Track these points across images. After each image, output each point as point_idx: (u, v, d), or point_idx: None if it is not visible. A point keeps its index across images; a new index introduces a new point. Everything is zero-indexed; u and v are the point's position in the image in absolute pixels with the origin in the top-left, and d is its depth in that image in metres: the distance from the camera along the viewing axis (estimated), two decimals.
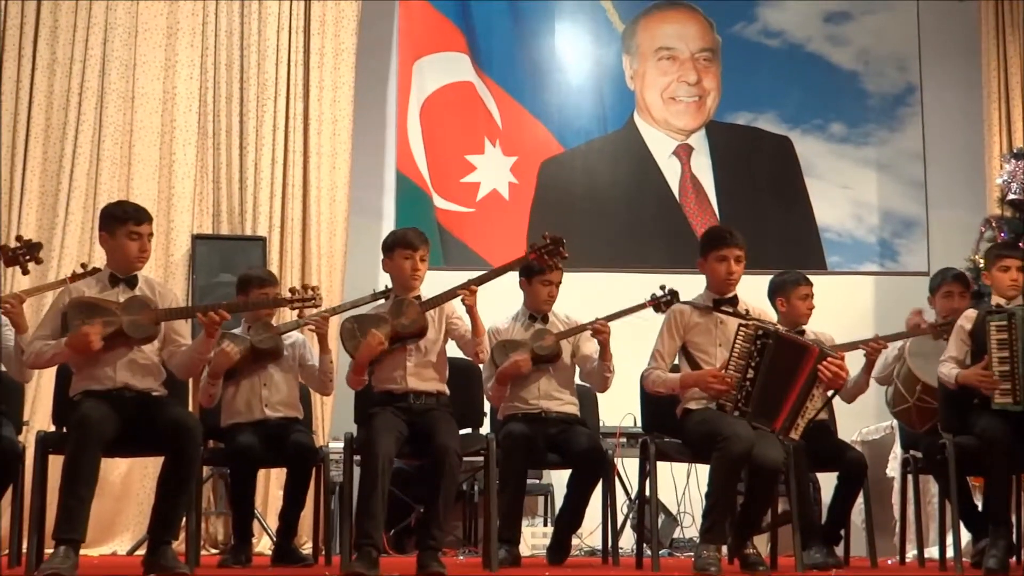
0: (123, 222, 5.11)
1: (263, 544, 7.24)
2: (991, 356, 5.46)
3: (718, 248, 5.51)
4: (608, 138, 9.32)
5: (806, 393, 5.24)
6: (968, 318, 5.74)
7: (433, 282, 5.60)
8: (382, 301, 5.59)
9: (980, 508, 5.95)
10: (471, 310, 5.37)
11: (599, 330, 5.95)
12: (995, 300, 5.82)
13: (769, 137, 9.37)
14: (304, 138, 8.30)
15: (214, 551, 7.37)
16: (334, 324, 6.13)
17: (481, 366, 6.07)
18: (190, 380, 5.83)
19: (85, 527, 4.75)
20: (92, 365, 5.05)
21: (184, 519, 5.24)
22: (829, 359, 5.24)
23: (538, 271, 6.06)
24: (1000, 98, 8.89)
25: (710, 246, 5.54)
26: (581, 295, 6.87)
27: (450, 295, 5.38)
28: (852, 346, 6.20)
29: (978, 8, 9.08)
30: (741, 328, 5.27)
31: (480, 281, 5.42)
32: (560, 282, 6.14)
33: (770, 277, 6.40)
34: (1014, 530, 5.87)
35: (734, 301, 5.52)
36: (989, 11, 9.01)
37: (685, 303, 5.67)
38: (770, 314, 5.81)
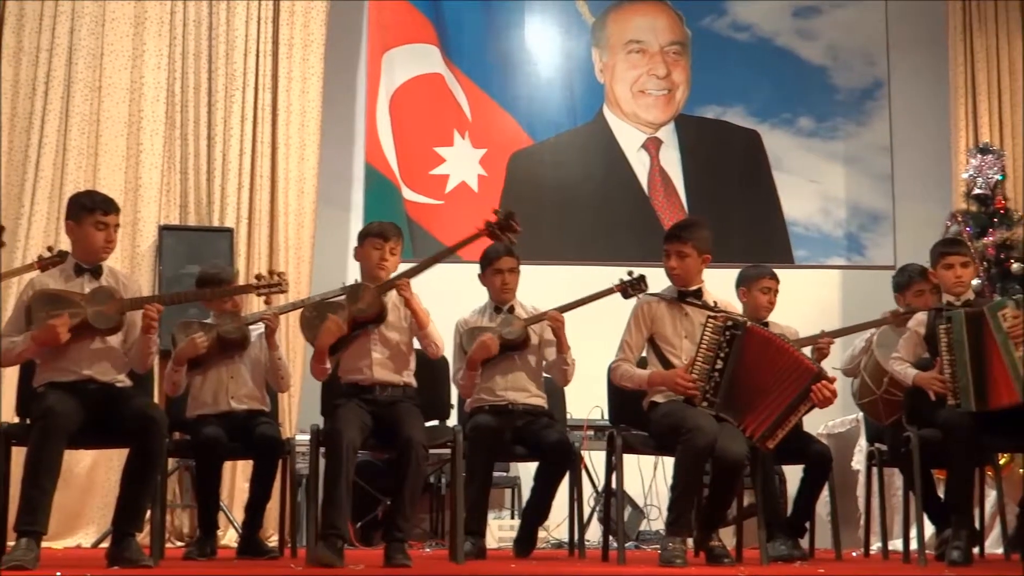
0: (90, 211, 5.09)
1: (229, 537, 7.21)
2: (942, 359, 5.52)
3: (664, 242, 5.56)
4: (577, 131, 9.33)
5: (793, 409, 5.25)
6: (920, 323, 5.80)
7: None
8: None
9: (943, 500, 5.99)
10: (408, 303, 5.37)
11: (552, 320, 5.96)
12: (946, 298, 5.85)
13: (738, 131, 9.40)
14: (272, 129, 8.27)
15: (179, 544, 7.35)
16: (290, 319, 6.09)
17: (449, 358, 6.08)
18: (155, 372, 5.81)
19: (47, 519, 4.72)
20: (57, 357, 5.03)
21: (149, 511, 5.22)
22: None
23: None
24: (966, 93, 8.94)
25: (663, 242, 5.58)
26: (549, 287, 6.87)
27: (391, 284, 5.37)
28: (804, 342, 6.23)
29: (945, 4, 9.12)
30: (710, 320, 5.29)
31: (419, 269, 5.44)
32: (512, 269, 6.11)
33: (737, 270, 6.42)
34: (976, 522, 5.91)
35: (698, 294, 5.54)
36: (956, 7, 9.06)
37: (652, 295, 5.68)
38: (737, 306, 5.82)
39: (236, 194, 8.09)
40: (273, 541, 6.70)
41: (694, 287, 5.56)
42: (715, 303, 5.53)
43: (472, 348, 5.98)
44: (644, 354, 5.64)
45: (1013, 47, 8.98)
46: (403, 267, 5.60)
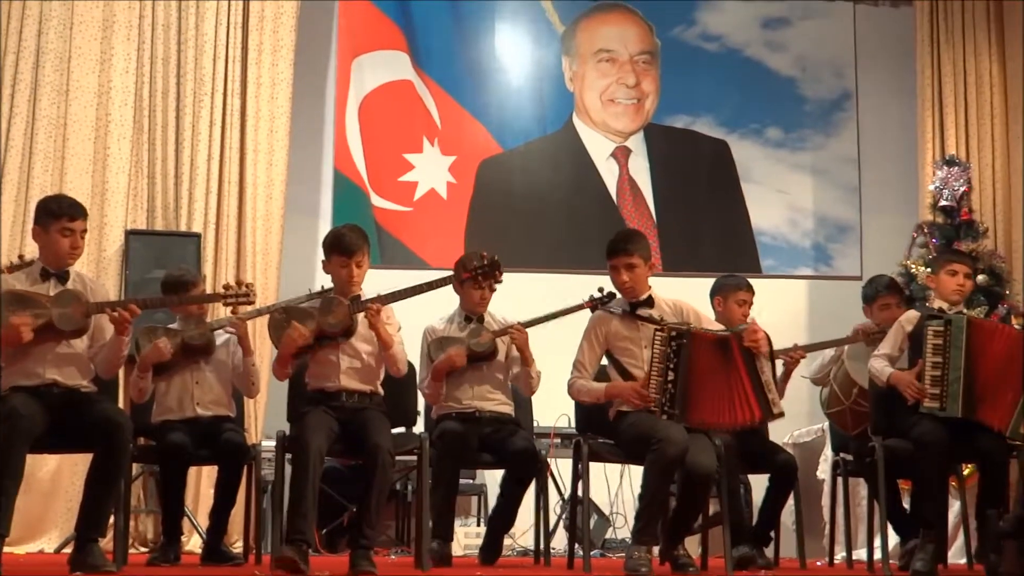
0: (57, 217, 5.08)
1: (193, 543, 7.18)
2: (925, 360, 5.53)
3: (609, 259, 5.55)
4: (547, 139, 9.34)
5: (755, 370, 5.28)
6: (909, 320, 5.78)
7: (370, 281, 5.58)
8: (317, 302, 5.57)
9: (908, 511, 6.02)
10: (373, 328, 5.36)
11: (514, 335, 5.97)
12: (936, 303, 5.85)
13: (706, 140, 9.42)
14: (241, 134, 8.24)
15: (143, 549, 7.31)
16: (259, 325, 6.07)
17: (416, 365, 6.08)
18: (120, 376, 5.78)
19: (9, 522, 4.71)
20: (20, 359, 5.00)
21: (112, 517, 5.19)
22: (744, 334, 5.29)
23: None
24: (933, 106, 9.00)
25: (606, 256, 5.58)
26: (518, 296, 6.87)
27: (362, 307, 5.36)
28: (777, 355, 6.25)
29: (913, 16, 9.19)
30: (657, 333, 5.30)
31: (392, 299, 5.43)
32: (492, 286, 6.12)
33: (704, 279, 6.44)
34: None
35: (649, 302, 5.54)
36: (924, 20, 9.11)
37: (604, 309, 5.68)
38: (694, 308, 5.75)
39: (204, 199, 8.05)
40: (238, 547, 6.68)
41: (644, 296, 5.56)
42: (667, 305, 5.54)
43: (438, 360, 5.97)
44: (605, 363, 5.64)
45: (980, 61, 9.05)
46: (371, 273, 5.60)
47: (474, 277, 5.58)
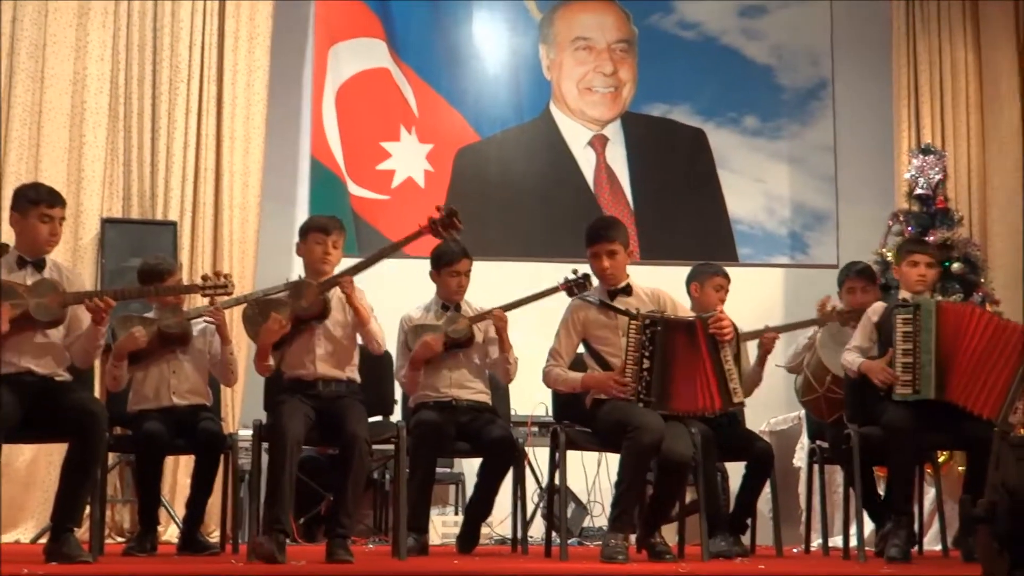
0: (35, 204, 5.06)
1: (170, 532, 7.17)
2: (895, 349, 5.57)
3: (590, 245, 5.54)
4: (524, 127, 9.33)
5: (718, 358, 5.29)
6: (876, 311, 5.83)
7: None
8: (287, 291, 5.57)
9: (883, 498, 6.06)
10: (349, 300, 5.36)
11: (496, 319, 5.97)
12: (903, 294, 5.89)
13: (683, 129, 9.43)
14: (217, 122, 8.21)
15: (120, 539, 7.29)
16: (235, 313, 6.05)
17: (393, 354, 6.08)
18: (96, 366, 5.76)
19: None
20: None
21: (88, 506, 5.18)
22: (710, 321, 5.31)
23: (446, 262, 6.06)
24: (909, 95, 9.03)
25: (586, 242, 5.57)
26: (495, 284, 6.87)
27: (334, 282, 5.37)
28: (748, 336, 6.29)
29: (889, 6, 9.21)
30: (631, 322, 5.30)
31: (363, 266, 5.43)
32: (468, 271, 6.13)
33: (680, 267, 6.45)
34: (916, 519, 5.97)
35: (627, 290, 5.55)
36: (900, 9, 9.13)
37: (581, 298, 5.69)
38: (671, 297, 5.77)
39: (180, 187, 8.02)
40: (215, 537, 6.66)
41: (623, 283, 5.57)
42: (645, 294, 5.55)
43: (416, 347, 5.97)
44: (582, 351, 5.65)
45: (955, 49, 9.07)
46: (347, 262, 5.60)
47: (433, 229, 5.54)
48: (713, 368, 5.29)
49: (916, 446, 5.57)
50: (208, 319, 5.83)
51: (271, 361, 5.44)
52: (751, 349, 6.43)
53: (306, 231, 5.56)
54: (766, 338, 6.26)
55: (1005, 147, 8.92)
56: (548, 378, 5.61)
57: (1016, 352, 5.39)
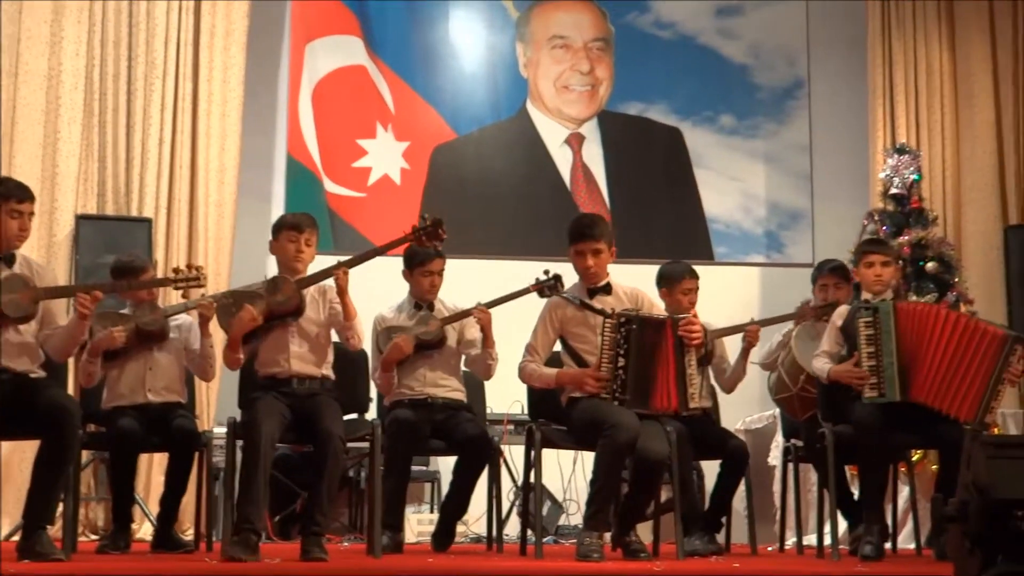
0: (6, 199, 5.03)
1: (144, 530, 7.14)
2: (860, 353, 5.58)
3: (575, 243, 5.54)
4: (501, 125, 9.33)
5: (682, 361, 5.30)
6: (840, 315, 5.85)
7: (322, 267, 5.55)
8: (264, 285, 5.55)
9: (856, 496, 6.08)
10: (342, 293, 5.36)
11: (480, 316, 5.96)
12: (864, 295, 5.92)
13: (660, 128, 9.44)
14: (193, 118, 8.18)
15: (93, 537, 7.26)
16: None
17: (368, 355, 6.07)
18: (70, 362, 5.73)
19: None
20: None
21: (61, 504, 5.15)
22: (681, 322, 5.32)
23: (419, 262, 6.05)
24: (884, 94, 9.06)
25: (569, 239, 5.57)
26: (471, 282, 6.86)
27: (324, 275, 5.37)
28: (730, 331, 6.31)
29: (865, 5, 9.24)
30: (606, 320, 5.31)
31: (354, 263, 5.42)
32: (442, 271, 6.13)
33: (656, 266, 6.45)
34: (888, 517, 5.99)
35: (607, 289, 5.56)
36: (875, 9, 9.17)
37: (561, 295, 5.69)
38: (649, 297, 5.79)
39: (155, 184, 7.99)
40: (189, 534, 6.64)
41: (603, 282, 5.57)
42: (624, 294, 5.56)
43: (386, 349, 5.96)
44: (559, 349, 5.65)
45: (930, 49, 9.11)
46: (321, 259, 5.59)
47: (417, 237, 5.55)
48: (675, 369, 5.30)
49: (887, 445, 5.58)
50: (196, 312, 5.76)
51: (240, 354, 5.42)
52: (732, 344, 6.43)
53: (278, 229, 5.55)
54: (750, 331, 6.27)
55: (979, 146, 8.98)
56: (523, 373, 5.62)
57: (990, 355, 5.41)
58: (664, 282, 6.32)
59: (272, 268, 5.71)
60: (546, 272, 6.03)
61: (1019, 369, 5.44)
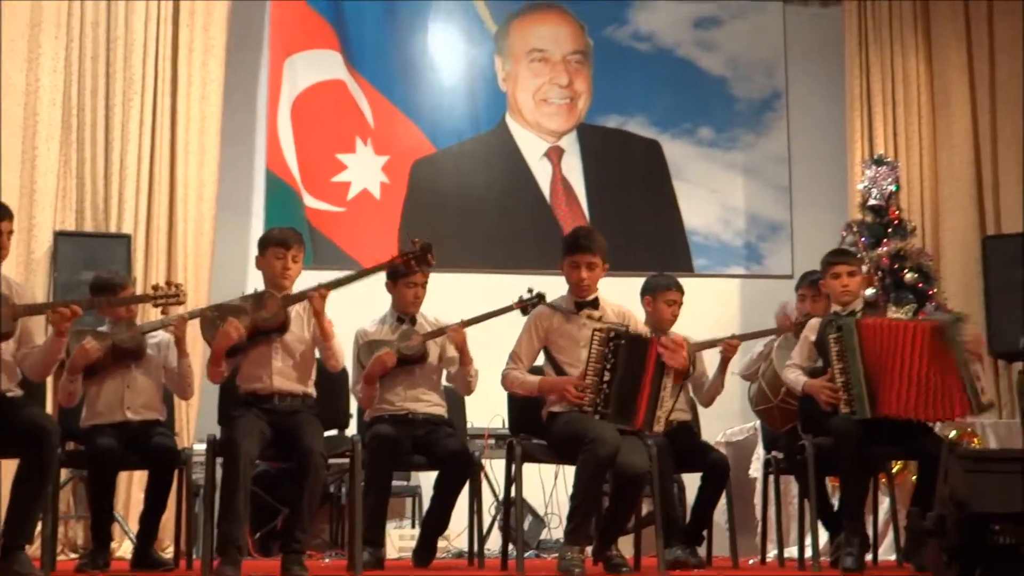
0: None
1: (124, 548, 7.11)
2: (832, 368, 5.60)
3: (570, 254, 5.56)
4: (480, 139, 9.33)
5: (659, 383, 5.34)
6: (812, 328, 5.87)
7: (303, 282, 5.55)
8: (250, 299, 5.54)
9: (837, 507, 6.08)
10: (318, 315, 5.35)
11: (453, 335, 5.96)
12: (834, 307, 5.92)
13: (639, 140, 9.46)
14: (171, 134, 8.16)
15: (73, 555, 7.23)
16: (191, 326, 6.01)
17: (348, 369, 6.06)
18: (48, 381, 5.71)
19: None
20: None
21: (40, 523, 5.13)
22: (664, 341, 5.36)
23: (403, 274, 6.05)
24: (862, 105, 9.10)
25: (564, 251, 5.60)
26: (452, 296, 6.87)
27: (303, 295, 5.36)
28: (709, 344, 6.32)
29: (842, 17, 9.28)
30: (595, 332, 5.33)
31: (334, 285, 5.41)
32: (425, 283, 6.13)
33: (637, 279, 6.47)
34: (868, 528, 6.00)
35: (595, 303, 5.57)
36: (853, 20, 9.22)
37: (548, 305, 5.71)
38: (635, 315, 5.83)
39: (134, 199, 7.97)
40: (169, 553, 6.62)
41: (592, 296, 5.59)
42: (611, 311, 5.58)
43: (369, 363, 5.95)
44: (541, 362, 5.66)
45: (907, 60, 9.16)
46: (305, 275, 5.58)
47: (406, 261, 5.56)
48: (650, 390, 5.33)
49: (867, 456, 5.59)
50: (171, 330, 5.76)
51: (224, 368, 5.41)
52: (711, 357, 6.45)
53: (265, 245, 5.52)
54: (728, 345, 6.29)
55: (956, 155, 9.03)
56: (506, 380, 5.63)
57: (944, 347, 5.46)
58: (649, 292, 6.34)
59: (253, 283, 5.71)
60: (530, 290, 6.05)
61: (972, 340, 5.50)
